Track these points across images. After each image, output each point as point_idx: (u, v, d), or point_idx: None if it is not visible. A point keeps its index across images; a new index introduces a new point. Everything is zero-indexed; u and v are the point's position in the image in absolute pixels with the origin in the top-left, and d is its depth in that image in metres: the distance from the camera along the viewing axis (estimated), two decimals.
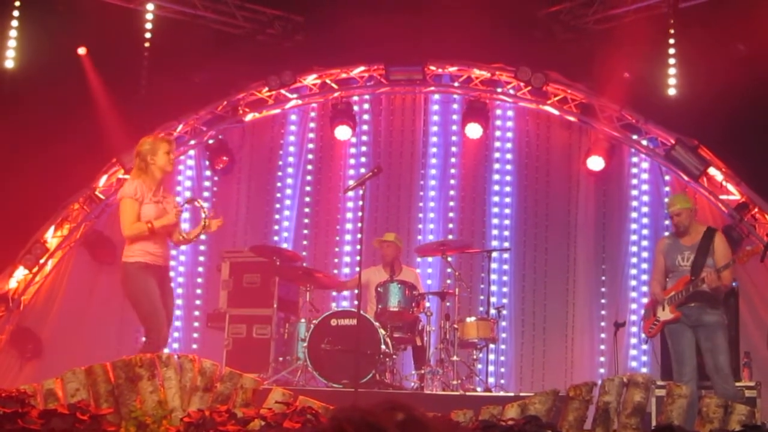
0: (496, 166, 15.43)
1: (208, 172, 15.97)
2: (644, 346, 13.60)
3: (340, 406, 1.42)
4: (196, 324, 15.56)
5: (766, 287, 13.57)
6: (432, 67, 15.40)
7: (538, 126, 15.43)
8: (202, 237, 12.00)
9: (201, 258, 15.84)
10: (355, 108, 15.65)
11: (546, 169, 15.31)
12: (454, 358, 12.33)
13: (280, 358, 12.77)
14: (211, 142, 15.81)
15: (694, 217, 10.82)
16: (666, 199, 11.58)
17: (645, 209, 14.80)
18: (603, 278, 14.81)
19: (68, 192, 15.41)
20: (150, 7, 15.36)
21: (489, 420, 8.04)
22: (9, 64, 14.95)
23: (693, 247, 10.50)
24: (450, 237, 14.79)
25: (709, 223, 11.64)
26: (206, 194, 15.84)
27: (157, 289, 9.47)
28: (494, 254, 14.13)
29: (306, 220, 15.74)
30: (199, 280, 15.78)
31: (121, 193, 9.73)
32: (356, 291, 11.57)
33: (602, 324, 14.53)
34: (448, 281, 14.36)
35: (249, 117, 15.90)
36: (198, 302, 15.67)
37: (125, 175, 14.37)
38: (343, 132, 15.40)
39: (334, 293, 14.76)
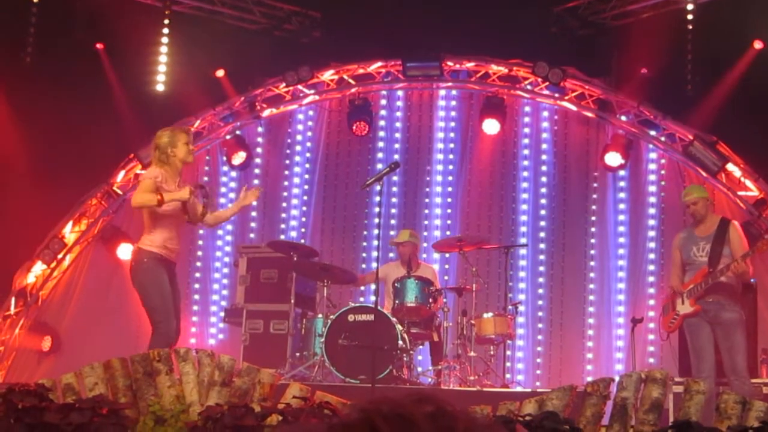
0: (513, 161, 15.42)
1: (225, 168, 16.00)
2: (662, 342, 13.57)
3: (367, 398, 1.42)
4: (213, 319, 15.60)
5: None
6: (449, 63, 15.39)
7: (556, 122, 15.40)
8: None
9: (218, 253, 15.88)
10: (373, 103, 15.66)
11: (563, 165, 15.30)
12: (471, 353, 12.33)
13: (297, 354, 12.77)
14: (228, 137, 15.84)
15: (710, 208, 10.81)
16: (682, 192, 11.53)
17: (663, 205, 14.76)
18: (620, 274, 14.78)
19: (86, 187, 15.46)
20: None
21: (506, 416, 8.03)
22: (27, 59, 15.00)
23: (708, 237, 10.49)
24: (467, 233, 14.77)
25: (726, 217, 11.61)
26: (223, 189, 15.89)
27: (169, 284, 9.42)
28: (511, 250, 14.09)
29: (323, 216, 15.76)
30: (217, 275, 15.81)
31: (142, 176, 9.67)
32: (373, 286, 11.57)
33: (619, 320, 14.51)
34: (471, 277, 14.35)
35: (266, 113, 15.93)
36: (215, 297, 15.71)
37: (143, 171, 14.38)
38: (360, 128, 15.40)
39: (352, 289, 14.75)
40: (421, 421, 1.34)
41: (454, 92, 15.80)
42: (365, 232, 15.49)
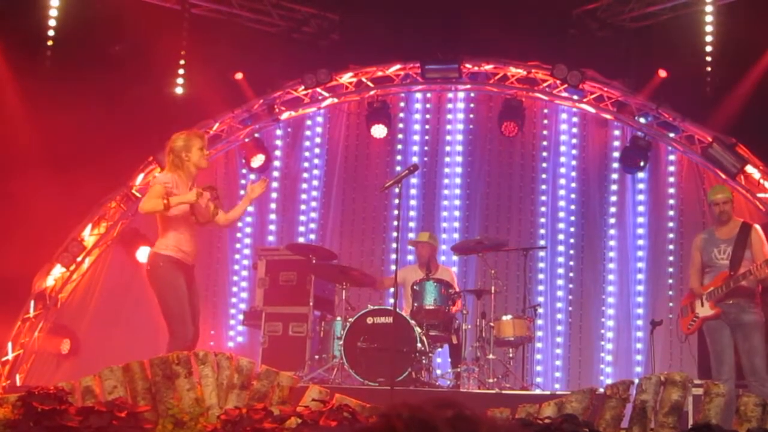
0: (532, 164, 15.41)
1: (244, 170, 16.02)
2: (681, 344, 13.53)
3: (388, 403, 1.42)
4: (232, 322, 15.62)
5: None
6: (468, 65, 15.37)
7: (574, 124, 15.39)
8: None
9: (237, 256, 15.90)
10: (391, 106, 15.66)
11: (582, 167, 15.28)
12: (490, 356, 12.31)
13: (316, 356, 12.79)
14: (246, 140, 15.86)
15: (733, 209, 10.79)
16: (709, 191, 11.48)
17: (682, 207, 14.72)
18: (639, 276, 14.75)
19: (105, 190, 15.50)
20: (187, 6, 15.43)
21: (526, 418, 8.01)
22: (46, 62, 15.04)
23: (730, 240, 10.45)
24: (485, 235, 14.75)
25: (747, 221, 11.57)
26: (242, 192, 15.88)
27: (185, 288, 9.42)
28: (530, 252, 14.06)
29: (342, 219, 15.77)
30: (235, 278, 15.84)
31: (153, 181, 9.70)
32: (392, 289, 11.57)
33: (639, 322, 14.48)
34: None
35: (285, 115, 15.95)
36: (234, 300, 15.73)
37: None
38: (379, 130, 15.41)
39: (371, 291, 14.74)
40: (441, 426, 1.33)
41: (472, 94, 15.79)
42: (384, 235, 15.49)
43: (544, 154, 15.39)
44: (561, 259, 15.05)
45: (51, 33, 15.14)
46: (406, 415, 1.36)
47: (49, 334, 15.40)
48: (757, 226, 10.90)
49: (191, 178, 9.51)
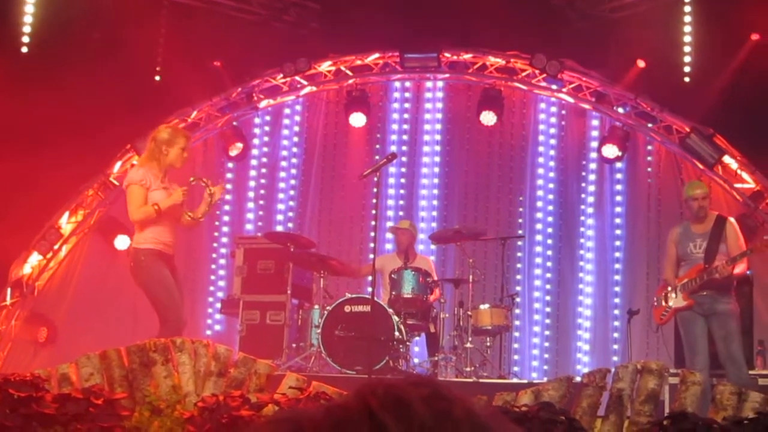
0: (510, 153, 15.42)
1: (222, 159, 15.99)
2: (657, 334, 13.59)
3: (364, 381, 1.42)
4: (209, 310, 15.59)
5: None
6: (447, 54, 15.37)
7: (553, 114, 15.40)
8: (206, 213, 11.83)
9: (215, 244, 15.87)
10: (370, 95, 15.65)
11: (560, 157, 15.31)
12: (468, 345, 12.34)
13: (294, 345, 12.79)
14: (225, 128, 15.81)
15: (710, 203, 10.87)
16: (685, 186, 11.54)
17: (659, 197, 14.76)
18: (617, 266, 14.81)
19: (83, 178, 15.44)
20: None
21: (503, 406, 8.04)
22: (23, 48, 14.97)
23: (705, 234, 10.52)
24: (464, 224, 14.76)
25: (724, 212, 11.63)
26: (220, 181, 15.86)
27: (171, 277, 9.46)
28: (508, 241, 14.07)
29: (320, 207, 15.76)
30: (213, 266, 15.81)
31: (127, 181, 9.70)
32: (370, 278, 11.57)
33: (616, 312, 14.53)
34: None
35: (264, 104, 15.91)
36: (212, 288, 15.71)
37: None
38: (357, 119, 15.39)
39: (349, 280, 14.73)
40: (417, 404, 1.33)
41: (451, 83, 15.79)
42: (362, 224, 15.48)
43: (523, 143, 15.41)
44: (539, 249, 15.08)
45: (29, 20, 15.05)
46: (380, 392, 1.36)
47: (26, 322, 15.35)
48: (732, 219, 10.96)
49: (163, 171, 9.55)
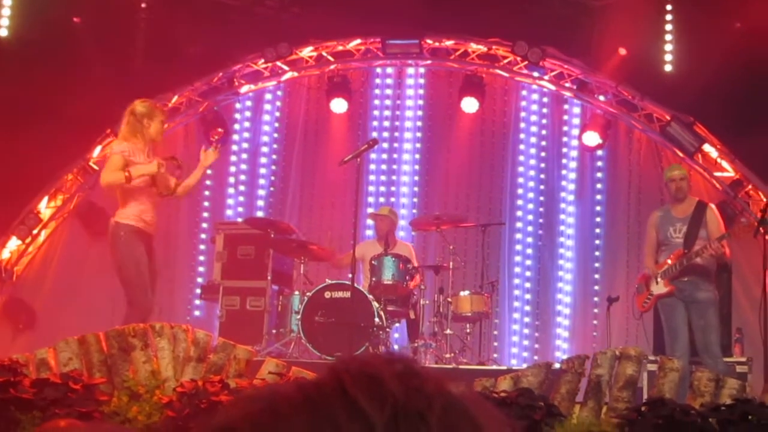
0: (492, 140, 15.42)
1: (203, 145, 15.92)
2: (637, 321, 13.63)
3: (339, 358, 1.41)
4: (189, 296, 15.56)
5: (759, 263, 13.56)
6: (429, 41, 15.35)
7: (534, 101, 15.41)
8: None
9: (195, 229, 15.82)
10: (351, 81, 15.62)
11: (541, 144, 15.31)
12: (448, 331, 12.35)
13: (274, 331, 12.78)
14: (206, 113, 15.76)
15: (690, 188, 10.90)
16: (665, 169, 11.59)
17: (640, 185, 14.79)
18: (597, 253, 14.84)
19: (62, 163, 15.37)
20: None
21: (482, 392, 8.05)
22: (2, 32, 14.89)
23: (685, 219, 10.55)
24: (444, 211, 14.76)
25: (703, 200, 11.65)
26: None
27: (146, 257, 9.43)
28: (488, 228, 14.08)
29: (301, 193, 15.73)
30: (193, 252, 15.77)
31: (109, 150, 9.66)
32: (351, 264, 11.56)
33: (596, 299, 14.56)
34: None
35: (245, 89, 15.86)
36: (191, 274, 15.67)
37: None
38: (338, 105, 15.37)
39: (329, 266, 14.72)
40: (389, 381, 1.33)
41: (433, 70, 15.78)
42: (342, 210, 15.45)
43: (504, 130, 15.40)
44: (519, 236, 15.09)
45: (8, 2, 14.96)
46: (353, 369, 1.35)
47: (5, 307, 15.29)
48: (713, 205, 11.01)
49: (148, 146, 9.50)
